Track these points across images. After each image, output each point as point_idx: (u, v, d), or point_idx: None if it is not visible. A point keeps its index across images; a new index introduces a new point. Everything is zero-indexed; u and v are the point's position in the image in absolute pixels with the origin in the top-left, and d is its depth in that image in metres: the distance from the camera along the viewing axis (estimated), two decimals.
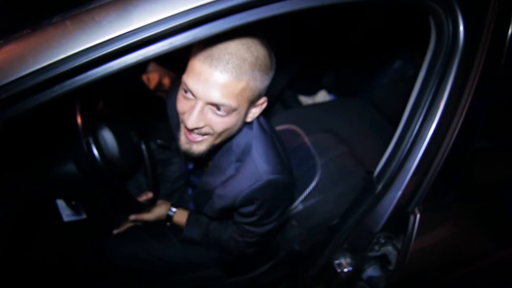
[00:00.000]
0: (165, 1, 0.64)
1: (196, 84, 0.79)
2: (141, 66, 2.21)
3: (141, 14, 0.62)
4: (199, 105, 0.81)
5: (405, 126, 1.04)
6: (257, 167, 0.95)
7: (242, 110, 0.86)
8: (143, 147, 1.38)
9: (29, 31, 0.60)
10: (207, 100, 0.80)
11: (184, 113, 0.85)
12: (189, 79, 0.81)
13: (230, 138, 0.98)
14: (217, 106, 0.81)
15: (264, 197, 0.98)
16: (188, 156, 0.98)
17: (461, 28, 0.94)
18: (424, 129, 1.01)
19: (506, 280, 1.50)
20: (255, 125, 1.00)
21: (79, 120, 1.00)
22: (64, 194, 1.09)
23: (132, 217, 1.28)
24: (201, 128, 0.85)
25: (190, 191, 1.47)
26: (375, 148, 1.53)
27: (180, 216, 1.29)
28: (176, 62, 2.38)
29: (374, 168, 1.12)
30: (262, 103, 0.93)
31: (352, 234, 1.15)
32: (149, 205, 1.27)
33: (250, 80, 0.81)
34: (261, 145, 0.98)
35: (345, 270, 1.17)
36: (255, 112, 0.94)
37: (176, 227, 1.30)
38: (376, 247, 1.13)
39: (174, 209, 1.30)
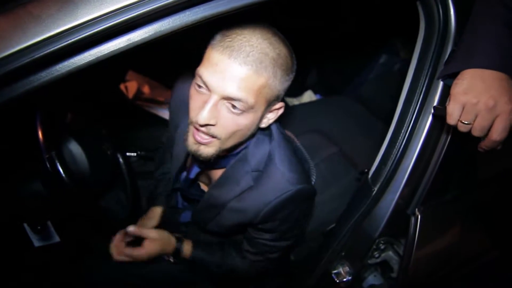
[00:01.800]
0: None
1: (211, 76, 0.73)
2: (117, 75, 2.12)
3: (89, 6, 0.53)
4: (214, 99, 0.74)
5: (399, 122, 0.97)
6: (283, 176, 0.88)
7: (259, 110, 0.79)
8: (120, 159, 1.27)
9: None
10: (223, 94, 0.73)
11: (195, 109, 0.77)
12: (205, 71, 0.74)
13: (241, 145, 0.90)
14: (233, 103, 0.74)
15: (292, 208, 0.91)
16: (196, 159, 0.93)
17: (452, 11, 0.88)
18: (419, 124, 0.93)
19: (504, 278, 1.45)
20: (275, 132, 0.93)
21: (40, 134, 0.89)
22: (28, 218, 0.97)
23: (118, 257, 1.02)
24: (211, 126, 0.77)
25: (179, 203, 1.36)
26: (365, 146, 1.47)
27: (188, 247, 1.09)
28: (157, 70, 2.30)
29: (368, 168, 1.04)
30: (279, 108, 0.86)
31: (349, 240, 1.07)
32: (126, 221, 1.16)
33: (270, 77, 0.74)
34: (284, 153, 0.92)
35: (344, 279, 1.09)
36: (270, 117, 0.86)
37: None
38: (376, 254, 1.05)
39: (179, 244, 1.08)
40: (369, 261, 1.05)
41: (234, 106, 0.74)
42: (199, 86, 0.76)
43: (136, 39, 0.59)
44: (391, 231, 1.01)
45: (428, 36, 0.92)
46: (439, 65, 0.91)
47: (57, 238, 1.15)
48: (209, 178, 1.05)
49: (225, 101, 0.75)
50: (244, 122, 0.78)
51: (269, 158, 0.90)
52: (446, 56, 0.90)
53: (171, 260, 1.09)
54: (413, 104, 0.93)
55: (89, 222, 1.18)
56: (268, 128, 0.92)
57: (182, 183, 1.09)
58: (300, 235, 1.07)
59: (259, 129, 0.89)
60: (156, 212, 1.20)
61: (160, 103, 2.10)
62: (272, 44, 0.74)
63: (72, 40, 0.53)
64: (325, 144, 1.58)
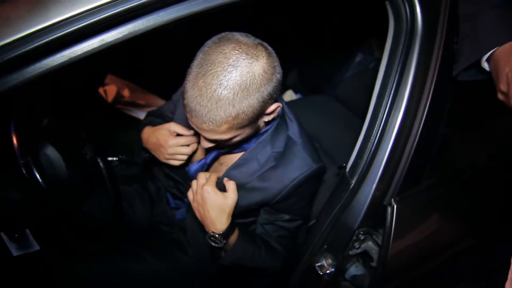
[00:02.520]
0: None
1: (193, 125, 0.83)
2: (96, 79, 2.09)
3: (60, 7, 0.53)
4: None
5: (372, 117, 1.00)
6: (306, 155, 1.00)
7: (247, 129, 0.87)
8: (101, 163, 1.26)
9: None
10: (209, 138, 0.85)
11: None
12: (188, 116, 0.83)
13: (257, 133, 0.98)
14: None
15: (311, 184, 1.04)
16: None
17: (418, 11, 0.92)
18: (391, 118, 0.97)
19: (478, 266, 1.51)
20: (293, 119, 1.04)
21: (14, 140, 0.88)
22: (5, 227, 0.95)
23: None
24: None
25: (172, 203, 1.36)
26: (344, 142, 1.51)
27: (235, 234, 1.03)
28: (136, 73, 2.28)
29: (347, 162, 1.07)
30: (275, 108, 0.87)
31: (330, 233, 1.09)
32: (108, 224, 1.15)
33: (246, 107, 0.78)
34: (303, 136, 1.03)
35: (328, 271, 1.11)
36: (269, 118, 0.91)
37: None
38: (356, 245, 1.08)
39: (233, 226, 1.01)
40: (350, 252, 1.08)
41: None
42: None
43: (109, 40, 0.60)
44: (370, 222, 1.04)
45: (397, 34, 0.96)
46: (407, 61, 0.95)
47: (36, 246, 1.13)
48: (222, 164, 1.10)
49: None
50: (238, 138, 0.87)
51: (290, 140, 1.01)
52: (415, 53, 0.95)
53: (217, 239, 0.98)
54: (385, 99, 0.97)
55: (70, 227, 1.16)
56: (285, 117, 1.03)
57: (193, 172, 1.10)
58: (307, 218, 1.16)
59: (276, 117, 0.98)
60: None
61: (140, 106, 2.08)
62: (241, 72, 0.74)
63: (43, 41, 0.53)
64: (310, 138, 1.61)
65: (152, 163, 1.34)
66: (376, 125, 0.98)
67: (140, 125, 1.27)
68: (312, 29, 2.10)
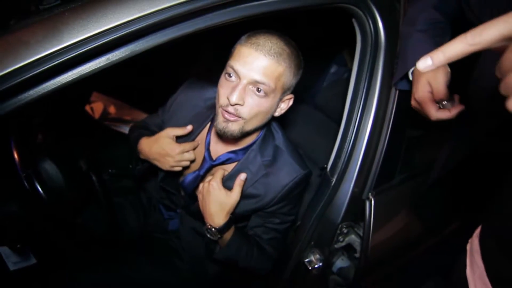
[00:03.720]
0: (96, 18, 0.63)
1: (241, 66, 0.91)
2: (83, 97, 2.13)
3: (72, 31, 0.61)
4: (242, 84, 0.92)
5: (347, 120, 1.12)
6: (294, 163, 1.09)
7: (276, 96, 0.97)
8: (94, 177, 1.30)
9: None
10: (251, 79, 0.91)
11: (226, 95, 0.94)
12: (236, 62, 0.92)
13: (255, 132, 1.06)
14: (258, 86, 0.92)
15: (300, 188, 1.11)
16: (220, 139, 1.10)
17: (381, 25, 1.05)
18: (363, 121, 1.09)
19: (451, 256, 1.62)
20: (278, 129, 1.15)
21: (15, 155, 0.93)
22: (6, 239, 0.98)
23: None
24: (239, 106, 0.93)
25: (165, 214, 1.41)
26: (324, 146, 1.62)
27: (230, 231, 1.09)
28: (119, 89, 2.33)
29: (327, 164, 1.17)
30: (290, 98, 1.04)
31: (316, 229, 1.18)
32: (110, 235, 1.19)
33: (286, 68, 0.94)
34: (289, 145, 1.14)
35: (316, 266, 1.19)
36: (282, 107, 1.04)
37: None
38: (341, 238, 1.17)
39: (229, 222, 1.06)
40: (336, 246, 1.17)
41: (258, 90, 0.92)
42: (229, 76, 0.93)
43: (114, 59, 0.68)
44: (351, 216, 1.14)
45: (364, 47, 1.09)
46: (374, 70, 1.08)
47: (33, 260, 1.15)
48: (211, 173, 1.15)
49: (251, 86, 0.93)
50: (265, 104, 0.95)
51: (277, 149, 1.11)
52: (381, 64, 1.08)
53: (213, 232, 1.05)
54: (356, 104, 1.09)
55: (67, 237, 1.19)
56: (271, 127, 1.14)
57: (188, 183, 1.17)
58: (294, 221, 1.23)
59: (266, 125, 1.08)
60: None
61: (127, 122, 2.13)
62: (287, 44, 0.95)
63: (58, 61, 0.60)
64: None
65: (145, 175, 1.38)
66: (351, 128, 1.09)
67: (131, 138, 1.30)
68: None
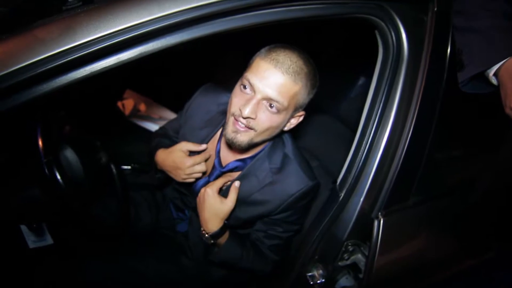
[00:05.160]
0: (109, 19, 0.67)
1: (258, 81, 0.91)
2: (116, 93, 2.26)
3: (85, 31, 0.66)
4: (257, 98, 0.92)
5: (362, 133, 1.08)
6: (302, 173, 1.08)
7: (288, 113, 0.97)
8: (113, 169, 1.37)
9: None
10: (265, 95, 0.92)
11: (238, 104, 0.95)
12: (253, 76, 0.93)
13: (261, 146, 1.08)
14: (271, 102, 0.92)
15: (307, 199, 1.10)
16: (229, 147, 1.10)
17: (404, 38, 1.01)
18: (378, 136, 1.05)
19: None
20: (289, 138, 1.14)
21: (40, 142, 1.00)
22: (27, 219, 1.06)
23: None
24: (251, 119, 0.94)
25: (174, 213, 1.46)
26: (343, 159, 1.57)
27: (226, 236, 1.13)
28: (152, 89, 2.44)
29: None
30: (301, 115, 1.04)
31: (321, 244, 1.15)
32: (121, 228, 1.24)
33: (302, 88, 0.94)
34: (299, 154, 1.12)
35: (318, 281, 1.15)
36: (292, 122, 1.04)
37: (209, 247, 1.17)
38: (346, 256, 1.12)
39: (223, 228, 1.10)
40: (340, 263, 1.13)
41: (271, 106, 0.93)
42: (244, 87, 0.94)
43: (124, 58, 0.71)
44: (358, 234, 1.09)
45: (385, 59, 1.05)
46: (394, 84, 1.03)
47: (50, 240, 1.23)
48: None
49: (265, 101, 0.93)
50: (276, 120, 0.96)
51: (286, 158, 1.10)
52: (401, 77, 1.03)
53: (207, 239, 1.10)
54: (372, 117, 1.05)
55: (81, 226, 1.26)
56: (281, 135, 1.11)
57: (199, 188, 1.17)
58: (301, 228, 1.22)
59: (276, 135, 1.06)
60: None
61: (155, 120, 2.23)
62: (306, 62, 0.94)
63: (70, 58, 0.65)
64: (308, 158, 1.68)
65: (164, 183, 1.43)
66: (364, 142, 1.05)
67: (150, 148, 1.35)
68: (318, 55, 2.21)
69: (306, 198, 1.10)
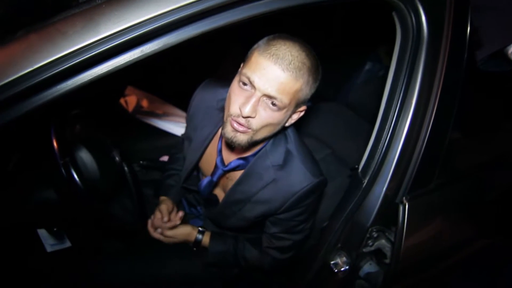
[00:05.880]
0: (132, 9, 0.64)
1: (258, 78, 0.86)
2: (117, 90, 2.21)
3: (109, 23, 0.62)
4: (257, 96, 0.88)
5: (383, 119, 1.06)
6: (307, 169, 1.04)
7: (289, 110, 0.93)
8: (125, 168, 1.34)
9: None
10: (266, 92, 0.87)
11: (237, 103, 0.90)
12: (252, 73, 0.87)
13: (262, 144, 1.05)
14: (272, 100, 0.88)
15: (312, 197, 1.07)
16: (230, 146, 1.08)
17: (424, 20, 0.98)
18: (401, 120, 1.03)
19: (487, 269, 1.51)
20: (291, 133, 1.09)
21: (54, 143, 0.97)
22: (44, 222, 1.04)
23: (153, 234, 1.23)
24: (251, 118, 0.90)
25: (186, 208, 1.45)
26: (355, 147, 1.56)
27: (207, 237, 1.26)
28: (153, 84, 2.40)
29: (358, 164, 1.13)
30: (302, 110, 1.00)
31: (344, 232, 1.14)
32: (137, 226, 1.22)
33: (304, 84, 0.89)
34: (302, 149, 1.08)
35: (342, 269, 1.15)
36: (294, 118, 1.00)
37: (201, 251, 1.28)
38: (370, 242, 1.12)
39: (200, 235, 1.25)
40: (364, 250, 1.12)
41: (273, 104, 0.88)
42: (244, 84, 0.89)
43: (148, 51, 0.68)
44: (382, 220, 1.08)
45: (404, 42, 1.02)
46: (415, 67, 1.01)
47: (68, 243, 1.21)
48: (228, 178, 1.18)
49: (265, 98, 0.88)
50: (277, 117, 0.91)
51: (289, 154, 1.05)
52: (422, 61, 1.00)
53: (194, 249, 1.26)
54: (394, 102, 1.03)
55: (98, 227, 1.24)
56: (284, 130, 1.06)
57: (204, 187, 1.20)
58: (310, 230, 1.20)
59: (278, 131, 1.01)
60: (169, 202, 1.32)
61: (159, 116, 2.19)
62: (307, 56, 0.88)
63: (95, 52, 0.62)
64: (319, 147, 1.67)
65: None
66: (387, 127, 1.03)
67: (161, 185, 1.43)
68: (321, 38, 2.18)
69: (311, 196, 1.07)
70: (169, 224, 1.21)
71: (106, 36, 0.62)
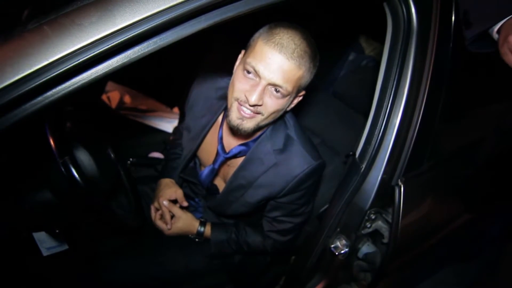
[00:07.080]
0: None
1: (263, 67, 0.89)
2: (99, 86, 2.12)
3: (125, 14, 0.61)
4: (262, 84, 0.90)
5: (378, 106, 1.11)
6: (306, 153, 1.08)
7: (292, 96, 0.97)
8: (119, 165, 1.31)
9: (2, 40, 0.55)
10: (271, 81, 0.90)
11: (243, 91, 0.92)
12: (258, 62, 0.89)
13: (266, 126, 1.07)
14: (277, 88, 0.92)
15: (312, 180, 1.11)
16: (231, 134, 1.10)
17: (413, 10, 1.04)
18: (395, 107, 1.08)
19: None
20: (291, 118, 1.13)
21: (51, 141, 0.93)
22: (43, 225, 0.99)
23: (160, 223, 1.24)
24: (258, 106, 0.93)
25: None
26: (344, 134, 1.62)
27: (208, 228, 1.27)
28: (133, 79, 2.32)
29: (353, 151, 1.17)
30: (302, 95, 1.04)
31: (343, 216, 1.19)
32: (138, 222, 1.20)
33: (306, 71, 0.93)
34: (301, 134, 1.11)
35: (342, 251, 1.20)
36: (294, 102, 1.04)
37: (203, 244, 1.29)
38: (368, 224, 1.18)
39: (201, 228, 1.26)
40: (363, 232, 1.18)
41: (277, 91, 0.92)
42: (248, 72, 0.90)
43: (162, 42, 0.67)
44: (380, 202, 1.14)
45: (395, 32, 1.07)
46: (406, 56, 1.06)
47: (65, 246, 1.17)
48: (229, 166, 1.19)
49: (270, 87, 0.92)
50: (281, 103, 0.96)
51: (288, 139, 1.08)
52: (413, 48, 1.06)
53: (196, 240, 1.27)
54: (387, 91, 1.08)
55: (98, 225, 1.20)
56: (283, 116, 1.09)
57: (205, 177, 1.20)
58: (310, 213, 1.25)
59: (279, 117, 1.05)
60: (172, 182, 1.32)
61: (142, 111, 2.14)
62: (309, 44, 0.93)
63: (112, 44, 0.60)
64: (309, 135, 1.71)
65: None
66: (381, 114, 1.09)
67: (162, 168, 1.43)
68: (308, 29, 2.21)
69: (311, 178, 1.11)
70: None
71: (123, 27, 0.60)
